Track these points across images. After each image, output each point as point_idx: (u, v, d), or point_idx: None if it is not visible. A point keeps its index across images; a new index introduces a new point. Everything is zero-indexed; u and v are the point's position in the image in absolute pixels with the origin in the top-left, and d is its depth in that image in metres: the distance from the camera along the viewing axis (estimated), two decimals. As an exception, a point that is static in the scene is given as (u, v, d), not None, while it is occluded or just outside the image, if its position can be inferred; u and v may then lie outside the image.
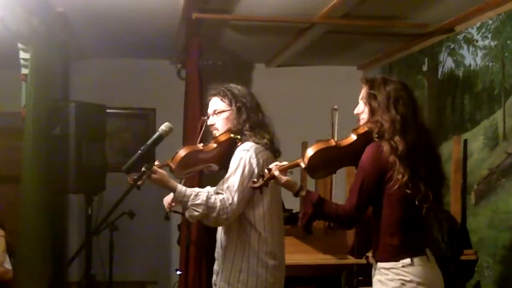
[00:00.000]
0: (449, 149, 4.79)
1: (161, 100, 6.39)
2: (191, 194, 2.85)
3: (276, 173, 2.63)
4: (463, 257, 4.38)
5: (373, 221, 2.73)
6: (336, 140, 2.72)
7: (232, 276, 2.97)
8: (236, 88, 3.14)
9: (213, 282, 3.15)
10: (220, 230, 3.13)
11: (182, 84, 5.41)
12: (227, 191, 2.88)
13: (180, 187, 2.87)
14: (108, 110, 5.22)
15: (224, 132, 3.07)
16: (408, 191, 2.55)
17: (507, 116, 4.22)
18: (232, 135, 3.05)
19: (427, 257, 2.66)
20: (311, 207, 2.64)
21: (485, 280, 4.37)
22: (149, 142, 2.77)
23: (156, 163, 2.85)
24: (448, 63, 5.05)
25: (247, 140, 3.02)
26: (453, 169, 4.65)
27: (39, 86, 4.69)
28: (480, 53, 4.58)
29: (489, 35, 4.46)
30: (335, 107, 2.94)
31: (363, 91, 2.78)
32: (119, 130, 6.49)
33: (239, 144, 3.03)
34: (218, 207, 2.83)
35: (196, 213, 2.85)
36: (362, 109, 2.77)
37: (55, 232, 5.13)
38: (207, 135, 3.20)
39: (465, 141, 4.61)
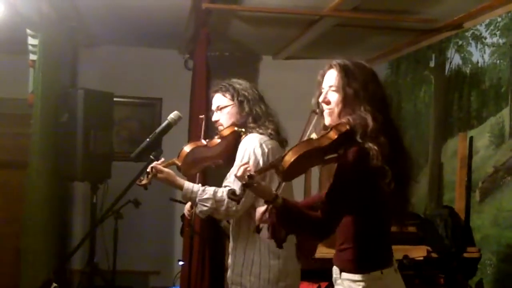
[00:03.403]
0: (455, 146, 4.79)
1: (168, 90, 6.38)
2: (198, 190, 2.89)
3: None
4: (466, 255, 4.36)
5: (341, 228, 2.40)
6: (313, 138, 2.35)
7: (245, 269, 2.98)
8: (238, 82, 3.16)
9: (227, 278, 3.13)
10: (232, 223, 3.14)
11: (189, 75, 5.40)
12: (234, 183, 2.85)
13: (187, 184, 2.90)
14: (115, 99, 5.24)
15: (228, 127, 3.09)
16: (393, 201, 2.31)
17: (514, 114, 4.21)
18: (236, 128, 3.07)
19: (394, 268, 2.44)
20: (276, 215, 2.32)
21: (487, 278, 4.37)
22: (157, 130, 2.80)
23: (161, 161, 2.87)
24: (455, 59, 5.03)
25: (251, 132, 3.04)
26: (459, 166, 4.64)
27: (48, 72, 4.70)
28: (488, 50, 4.57)
29: (498, 33, 4.45)
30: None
31: (336, 78, 2.45)
32: (125, 119, 6.49)
33: (243, 137, 3.05)
34: (226, 200, 2.83)
35: (205, 208, 2.87)
36: (335, 100, 2.42)
37: (59, 219, 5.15)
38: (213, 133, 3.21)
39: (471, 138, 4.58)
